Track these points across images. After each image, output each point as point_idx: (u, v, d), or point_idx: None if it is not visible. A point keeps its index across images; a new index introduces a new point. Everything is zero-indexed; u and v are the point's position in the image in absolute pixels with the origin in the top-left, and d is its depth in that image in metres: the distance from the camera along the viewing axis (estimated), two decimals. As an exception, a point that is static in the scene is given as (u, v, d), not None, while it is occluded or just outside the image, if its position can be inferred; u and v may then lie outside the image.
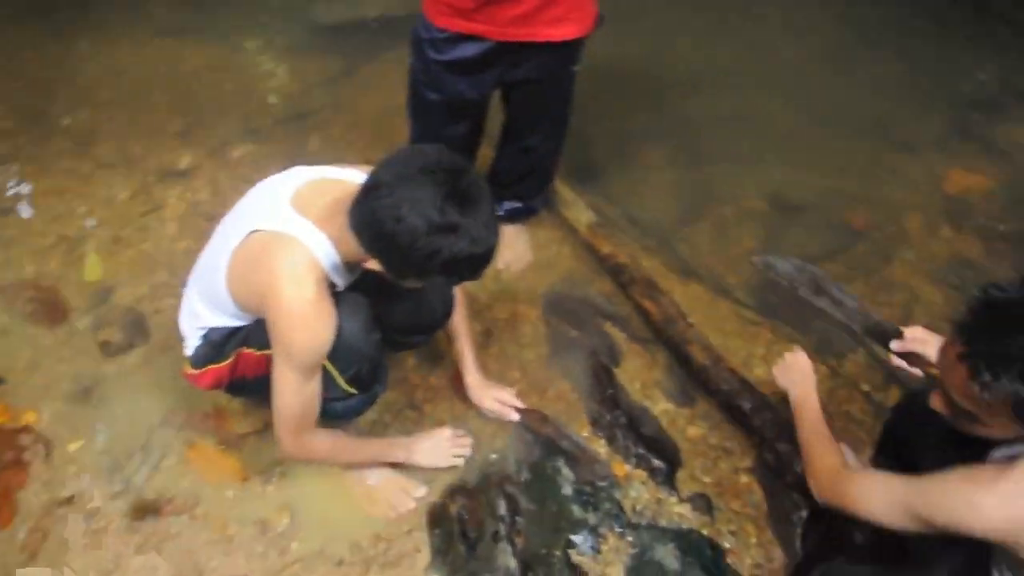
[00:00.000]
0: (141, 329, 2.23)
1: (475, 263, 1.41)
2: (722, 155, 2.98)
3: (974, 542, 1.49)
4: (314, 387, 1.59)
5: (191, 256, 1.78)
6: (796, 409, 1.82)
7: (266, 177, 1.65)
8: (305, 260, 1.49)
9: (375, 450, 1.86)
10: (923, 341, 1.71)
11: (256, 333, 1.66)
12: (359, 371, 1.63)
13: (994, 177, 2.95)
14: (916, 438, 1.68)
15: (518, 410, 2.03)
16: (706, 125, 3.11)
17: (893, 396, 2.16)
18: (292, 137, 2.95)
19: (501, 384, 2.06)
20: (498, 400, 2.00)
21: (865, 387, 2.25)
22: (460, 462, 1.94)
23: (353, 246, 1.47)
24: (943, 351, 1.34)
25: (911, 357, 1.73)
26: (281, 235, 1.51)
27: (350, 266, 1.58)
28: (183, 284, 1.79)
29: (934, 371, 1.65)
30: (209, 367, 1.73)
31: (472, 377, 1.99)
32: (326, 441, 1.73)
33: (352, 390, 1.67)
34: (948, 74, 3.48)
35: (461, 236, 1.35)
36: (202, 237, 1.75)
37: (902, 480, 1.43)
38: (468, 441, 1.97)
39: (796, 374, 1.88)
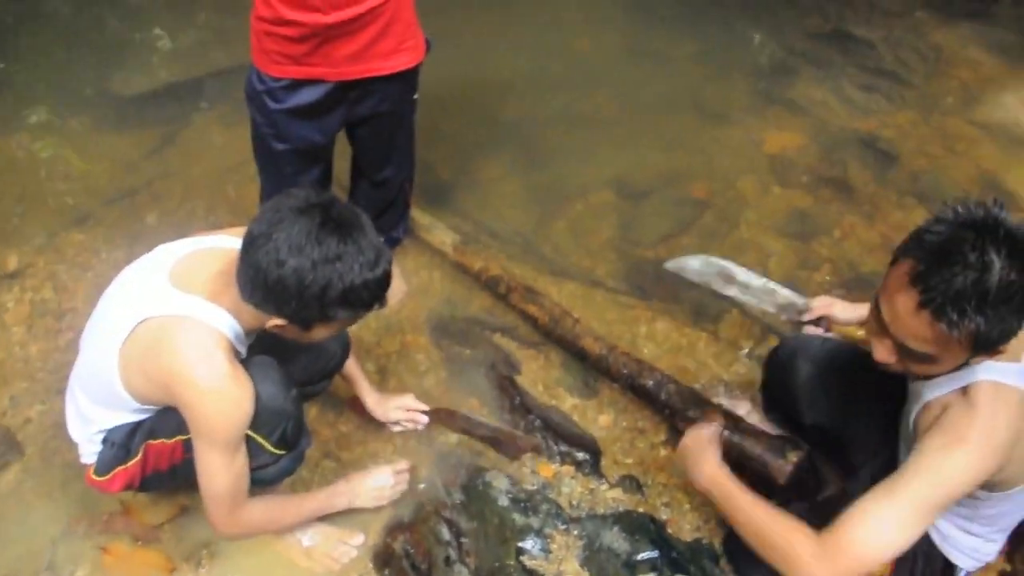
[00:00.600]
0: (12, 444, 2.05)
1: (373, 287, 1.40)
2: (560, 154, 3.11)
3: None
4: (242, 460, 1.53)
5: (48, 358, 1.68)
6: (713, 496, 1.58)
7: (109, 263, 1.57)
8: (209, 336, 1.43)
9: (315, 505, 1.79)
10: (828, 306, 1.87)
11: (162, 423, 1.59)
12: (284, 431, 1.59)
13: (803, 132, 3.25)
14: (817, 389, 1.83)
15: (426, 412, 2.05)
16: (538, 128, 3.24)
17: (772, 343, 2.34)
18: (126, 217, 2.80)
19: (399, 394, 2.06)
20: (401, 408, 2.03)
21: (746, 347, 2.41)
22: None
23: (252, 313, 1.44)
24: (890, 306, 1.32)
25: (819, 322, 1.88)
26: (175, 318, 1.44)
27: (250, 334, 1.54)
28: (48, 389, 1.67)
29: (842, 329, 1.83)
30: (117, 470, 1.63)
31: (371, 396, 2.00)
32: (261, 510, 1.67)
33: (280, 451, 1.62)
34: (738, 47, 3.80)
35: (348, 263, 1.35)
36: (55, 337, 1.65)
37: (888, 491, 1.34)
38: (406, 474, 1.95)
39: (690, 455, 1.68)
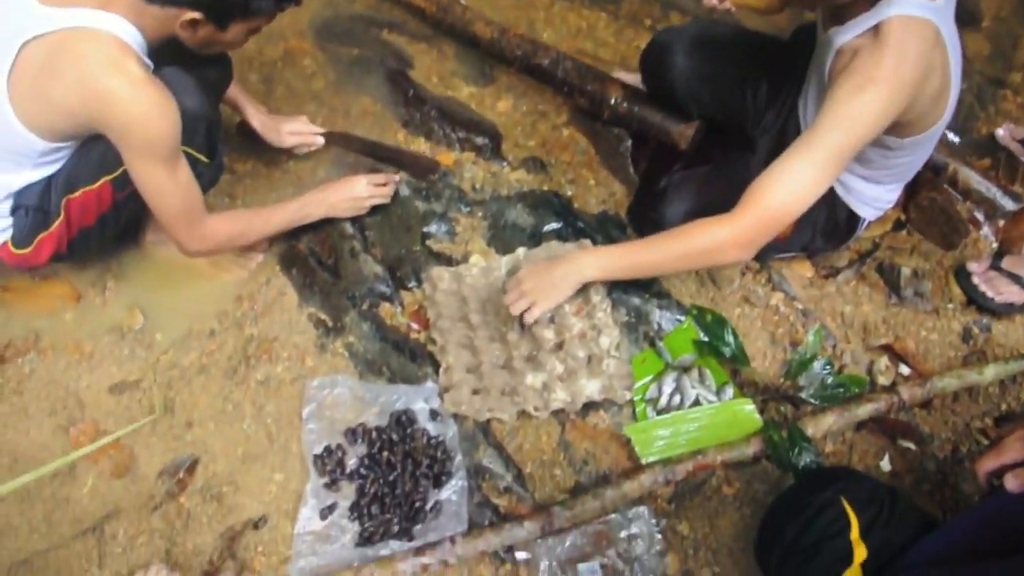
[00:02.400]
0: None
1: None
2: None
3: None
4: (185, 171, 1.42)
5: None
6: (615, 267, 1.60)
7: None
8: (114, 45, 1.27)
9: (286, 216, 1.71)
10: None
11: (79, 169, 1.45)
12: (209, 136, 1.49)
13: None
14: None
15: (322, 135, 1.95)
16: None
17: (675, 19, 2.26)
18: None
19: (289, 116, 1.94)
20: (293, 133, 1.90)
21: (648, 21, 2.32)
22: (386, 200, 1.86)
23: (156, 16, 1.30)
24: None
25: None
26: (66, 32, 1.27)
27: (153, 44, 1.38)
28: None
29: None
30: (40, 237, 1.51)
31: (258, 118, 1.86)
32: (227, 223, 1.61)
33: (204, 158, 1.53)
34: None
35: None
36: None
37: (799, 148, 1.35)
38: (389, 187, 1.86)
39: (563, 270, 1.63)
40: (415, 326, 1.74)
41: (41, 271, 1.78)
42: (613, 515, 1.47)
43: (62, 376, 1.71)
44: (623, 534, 1.47)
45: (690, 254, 1.47)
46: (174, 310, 1.79)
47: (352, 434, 1.58)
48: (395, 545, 1.43)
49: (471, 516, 1.49)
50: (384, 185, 1.82)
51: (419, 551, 1.41)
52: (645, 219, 1.80)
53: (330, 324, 1.75)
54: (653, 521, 1.49)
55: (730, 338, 1.63)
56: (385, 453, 1.55)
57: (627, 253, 1.58)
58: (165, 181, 1.40)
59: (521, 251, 1.78)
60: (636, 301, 1.75)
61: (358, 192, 1.77)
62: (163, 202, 1.44)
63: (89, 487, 1.58)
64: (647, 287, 1.76)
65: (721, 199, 1.44)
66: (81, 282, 1.81)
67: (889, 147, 1.48)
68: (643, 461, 1.54)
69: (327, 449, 1.55)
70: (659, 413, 1.61)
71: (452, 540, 1.42)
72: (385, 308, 1.76)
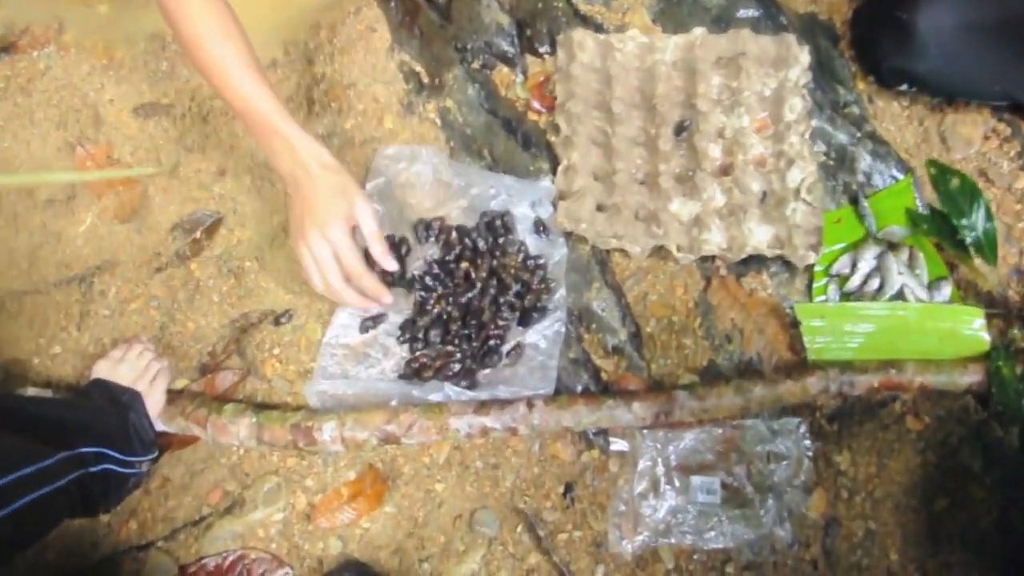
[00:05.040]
0: None
1: None
2: None
3: None
4: None
5: None
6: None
7: None
8: None
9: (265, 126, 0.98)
10: None
11: None
12: None
13: None
14: None
15: None
16: None
17: None
18: None
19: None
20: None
21: None
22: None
23: None
24: None
25: None
26: None
27: None
28: None
29: None
30: None
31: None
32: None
33: None
34: None
35: None
36: None
37: None
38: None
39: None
40: (536, 104, 1.27)
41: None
42: (752, 420, 1.03)
43: (82, 82, 1.32)
44: (760, 448, 1.04)
45: None
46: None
47: (425, 228, 1.16)
48: (451, 390, 1.03)
49: (561, 376, 1.07)
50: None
51: (482, 407, 1.02)
52: (882, 23, 1.23)
53: (425, 79, 1.29)
54: (807, 442, 1.04)
55: (981, 218, 1.11)
56: (464, 264, 1.13)
57: None
58: None
59: (699, 32, 1.26)
60: (843, 137, 1.22)
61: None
62: None
63: (87, 226, 1.23)
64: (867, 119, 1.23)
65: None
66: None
67: None
68: (809, 357, 1.08)
69: (387, 241, 1.14)
70: (845, 297, 1.13)
71: (530, 404, 1.02)
72: (502, 73, 1.29)
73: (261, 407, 1.06)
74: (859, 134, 1.24)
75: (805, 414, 1.07)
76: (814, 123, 1.22)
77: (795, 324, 1.11)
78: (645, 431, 1.03)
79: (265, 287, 1.17)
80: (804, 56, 1.23)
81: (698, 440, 1.03)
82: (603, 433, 1.05)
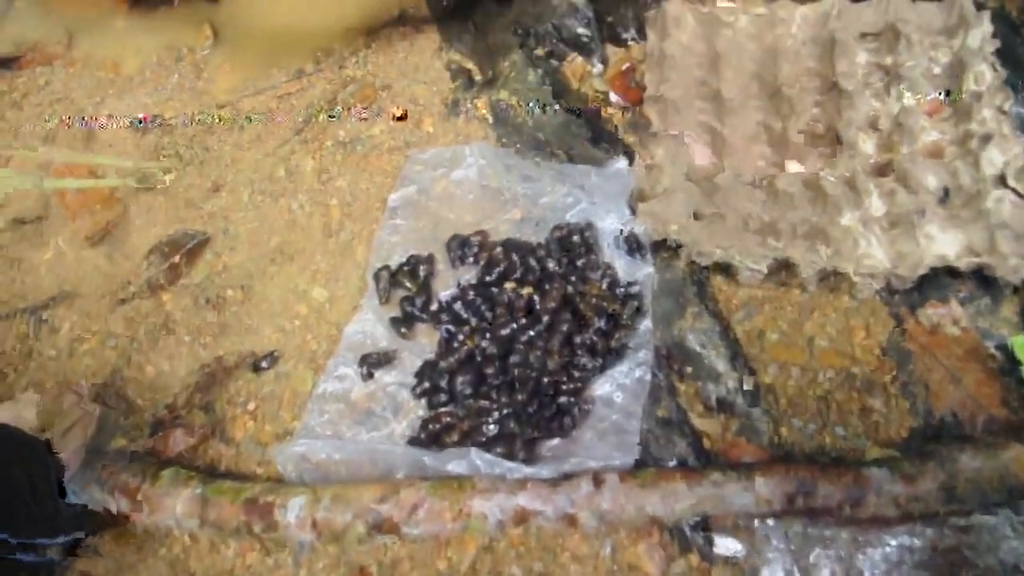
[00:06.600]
0: None
1: None
2: None
3: None
4: None
5: None
6: None
7: None
8: None
9: None
10: None
11: None
12: None
13: None
14: None
15: None
16: None
17: None
18: None
19: None
20: None
21: None
22: None
23: None
24: None
25: None
26: None
27: None
28: None
29: None
30: None
31: None
32: None
33: None
34: None
35: None
36: None
37: None
38: None
39: None
40: (617, 98, 0.96)
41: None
42: (984, 517, 0.63)
43: (81, 96, 1.13)
44: (1006, 556, 0.63)
45: None
46: (257, 36, 1.14)
47: (460, 246, 0.85)
48: (479, 458, 0.69)
49: (645, 442, 0.71)
50: None
51: (523, 483, 0.66)
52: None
53: (477, 76, 1.01)
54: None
55: None
56: (510, 285, 0.80)
57: None
58: None
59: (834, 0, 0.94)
60: (1050, 126, 0.86)
61: None
62: None
63: (52, 253, 0.97)
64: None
65: None
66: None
67: None
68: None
69: (409, 262, 0.83)
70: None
71: (597, 479, 0.66)
72: (574, 64, 1.01)
73: (214, 475, 0.74)
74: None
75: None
76: (1019, 93, 0.86)
77: (1009, 369, 0.72)
78: (771, 522, 0.65)
79: (249, 323, 0.88)
80: (984, 21, 0.89)
81: (890, 547, 0.64)
82: (706, 525, 0.67)
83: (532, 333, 0.79)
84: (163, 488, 0.72)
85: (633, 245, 0.84)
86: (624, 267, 0.83)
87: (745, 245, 0.80)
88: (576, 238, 0.84)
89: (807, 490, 0.64)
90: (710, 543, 0.67)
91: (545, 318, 0.79)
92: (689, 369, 0.77)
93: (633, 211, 0.85)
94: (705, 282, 0.82)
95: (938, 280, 0.78)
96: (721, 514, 0.65)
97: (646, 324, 0.78)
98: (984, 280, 0.77)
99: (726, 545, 0.68)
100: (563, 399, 0.76)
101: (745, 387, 0.75)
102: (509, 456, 0.72)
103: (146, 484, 0.73)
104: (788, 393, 0.75)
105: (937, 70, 0.90)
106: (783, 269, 0.81)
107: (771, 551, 0.66)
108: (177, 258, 0.93)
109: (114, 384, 0.86)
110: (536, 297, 0.81)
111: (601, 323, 0.79)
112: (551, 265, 0.83)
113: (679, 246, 0.82)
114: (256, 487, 0.71)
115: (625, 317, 0.79)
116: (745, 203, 0.84)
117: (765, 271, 0.79)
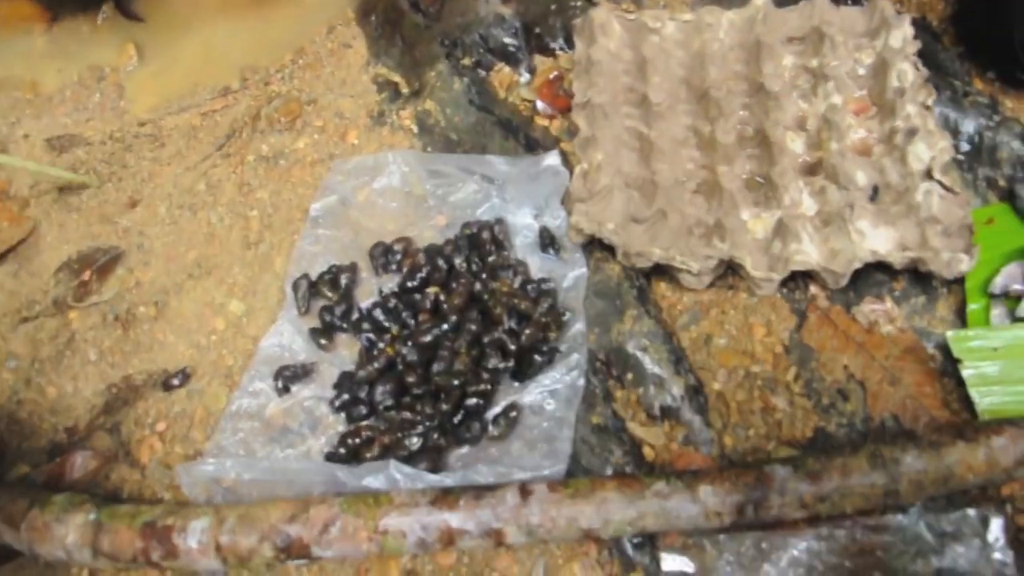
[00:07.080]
0: None
1: None
2: None
3: None
4: None
5: None
6: None
7: None
8: None
9: None
10: None
11: None
12: None
13: None
14: None
15: None
16: None
17: None
18: None
19: None
20: None
21: None
22: None
23: None
24: None
25: None
26: None
27: None
28: None
29: None
30: None
31: None
32: None
33: None
34: None
35: None
36: None
37: None
38: None
39: None
40: (543, 106, 0.94)
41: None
42: (901, 517, 0.60)
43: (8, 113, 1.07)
44: (919, 566, 0.60)
45: None
46: (181, 56, 1.11)
47: (384, 254, 0.81)
48: (398, 471, 0.65)
49: (578, 452, 0.67)
50: None
51: (445, 497, 0.62)
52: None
53: (404, 89, 0.98)
54: (999, 554, 0.61)
55: None
56: (433, 289, 0.76)
57: None
58: None
59: (761, 3, 0.94)
60: (972, 125, 0.85)
61: None
62: None
63: (-48, 274, 0.92)
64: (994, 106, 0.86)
65: None
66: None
67: None
68: (980, 413, 0.66)
69: (330, 271, 0.80)
70: (1021, 324, 0.72)
71: (525, 490, 0.62)
72: (502, 74, 0.99)
73: (110, 500, 0.68)
74: (996, 118, 0.87)
75: (988, 505, 0.63)
76: (937, 95, 0.85)
77: (948, 369, 0.70)
78: (722, 538, 0.61)
79: (161, 340, 0.83)
80: (905, 23, 0.90)
81: (811, 552, 0.60)
82: (648, 543, 0.63)
83: (438, 332, 0.75)
84: (53, 515, 0.66)
85: (547, 240, 0.81)
86: (539, 263, 0.80)
87: (687, 247, 0.77)
88: (486, 234, 0.81)
89: (756, 497, 0.60)
90: (655, 560, 0.62)
91: (452, 317, 0.75)
92: (629, 375, 0.73)
93: (569, 213, 0.82)
94: (645, 288, 0.79)
95: (873, 277, 0.76)
96: (667, 528, 0.61)
97: (579, 327, 0.74)
98: (919, 277, 0.75)
99: (674, 561, 0.64)
100: (471, 401, 0.72)
101: (690, 393, 0.71)
102: (434, 471, 0.68)
103: (34, 511, 0.67)
104: (731, 400, 0.72)
105: (861, 71, 0.89)
106: (726, 274, 0.78)
107: (720, 565, 0.62)
108: (87, 275, 0.88)
109: (9, 407, 0.80)
110: (442, 297, 0.77)
111: (512, 323, 0.75)
112: (458, 262, 0.80)
113: (613, 248, 0.79)
114: (156, 510, 0.65)
115: (538, 315, 0.75)
116: (687, 208, 0.82)
117: (709, 278, 0.77)
